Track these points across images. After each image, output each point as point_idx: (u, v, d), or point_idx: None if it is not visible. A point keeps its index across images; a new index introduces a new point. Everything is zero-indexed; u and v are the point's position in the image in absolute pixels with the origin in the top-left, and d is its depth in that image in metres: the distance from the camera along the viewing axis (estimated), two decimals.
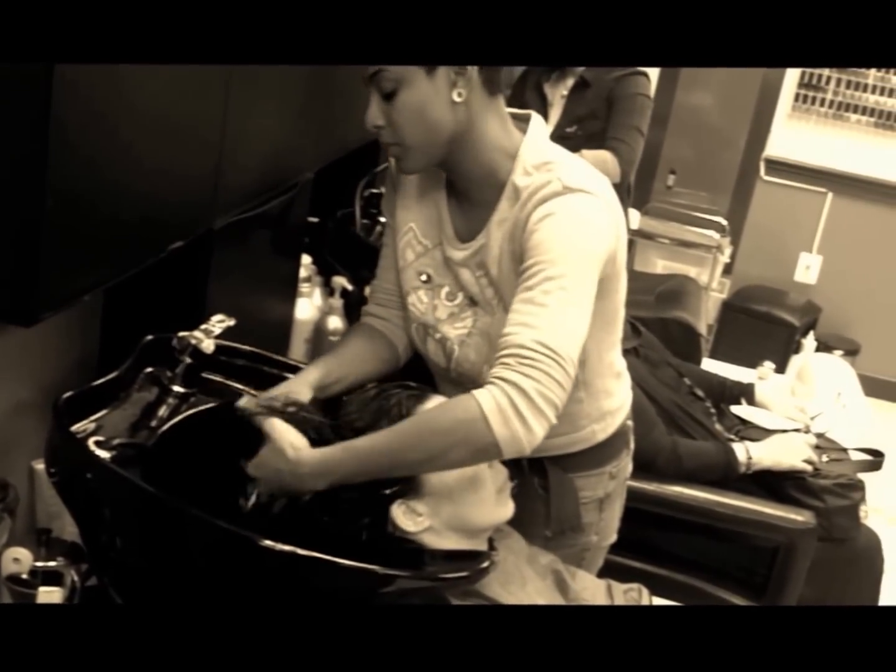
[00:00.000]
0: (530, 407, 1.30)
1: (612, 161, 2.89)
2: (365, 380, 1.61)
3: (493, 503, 1.42)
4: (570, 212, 1.43)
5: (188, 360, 1.52)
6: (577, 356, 1.37)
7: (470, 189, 1.55)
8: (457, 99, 1.44)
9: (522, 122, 1.55)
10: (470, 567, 1.36)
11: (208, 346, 1.51)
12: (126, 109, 1.27)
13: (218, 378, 1.59)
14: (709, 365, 3.43)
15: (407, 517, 1.37)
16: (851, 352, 4.72)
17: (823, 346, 4.55)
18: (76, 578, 1.35)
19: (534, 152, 1.50)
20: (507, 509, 1.44)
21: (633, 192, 3.22)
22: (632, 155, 2.94)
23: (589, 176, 1.49)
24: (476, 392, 1.32)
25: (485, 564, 1.37)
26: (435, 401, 1.43)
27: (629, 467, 1.81)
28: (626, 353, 1.76)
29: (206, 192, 1.59)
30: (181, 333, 1.51)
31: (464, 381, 1.57)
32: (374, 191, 2.51)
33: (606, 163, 2.86)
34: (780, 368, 3.93)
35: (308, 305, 2.25)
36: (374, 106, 1.47)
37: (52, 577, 1.33)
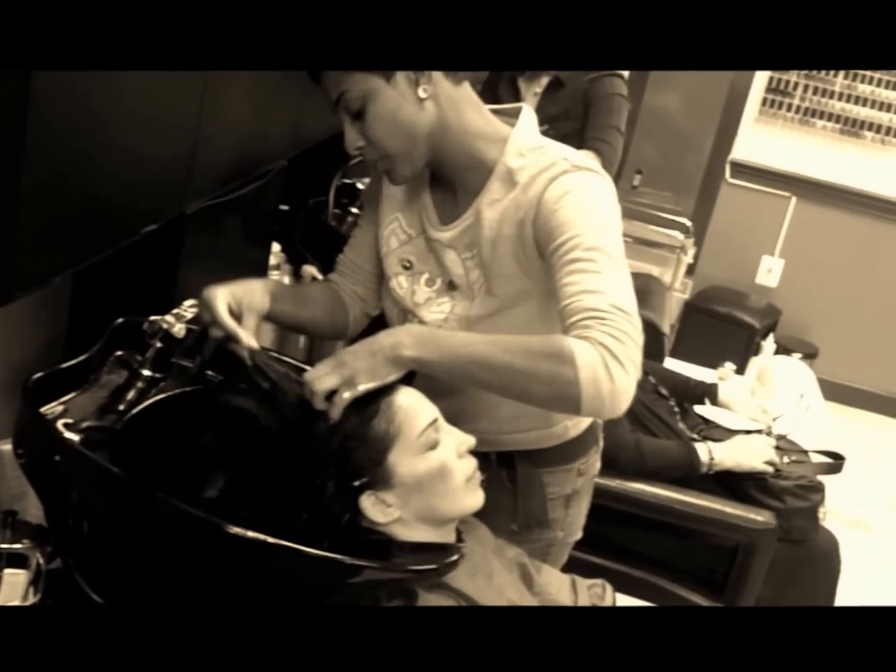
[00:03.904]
0: (621, 371, 1.29)
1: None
2: (313, 324, 1.67)
3: (463, 492, 1.42)
4: (585, 187, 1.45)
5: (158, 345, 1.50)
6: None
7: (455, 177, 1.55)
8: (423, 95, 1.45)
9: (512, 116, 1.55)
10: (438, 560, 1.36)
11: (179, 330, 1.50)
12: (103, 92, 1.26)
13: (188, 363, 1.58)
14: (670, 364, 3.45)
15: (376, 508, 1.37)
16: (810, 355, 4.77)
17: (783, 349, 4.60)
18: (41, 561, 1.33)
19: (526, 137, 1.52)
20: (477, 499, 1.44)
21: None
22: (614, 155, 2.94)
23: (588, 158, 1.51)
24: (571, 339, 1.31)
25: (454, 557, 1.36)
26: (403, 392, 1.43)
27: (597, 464, 1.82)
28: None
29: (181, 177, 1.58)
30: (152, 318, 1.50)
31: None
32: (346, 181, 2.50)
33: None
34: (740, 370, 3.96)
35: None
36: (349, 129, 1.48)
37: (17, 560, 1.31)
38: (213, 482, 1.46)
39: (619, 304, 1.33)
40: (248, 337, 1.44)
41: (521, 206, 1.46)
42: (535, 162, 1.47)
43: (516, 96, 3.03)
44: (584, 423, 1.72)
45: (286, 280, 2.33)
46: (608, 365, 1.28)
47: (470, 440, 1.44)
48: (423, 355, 1.35)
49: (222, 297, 1.45)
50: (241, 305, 1.47)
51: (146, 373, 1.51)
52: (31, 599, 1.36)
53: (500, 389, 1.39)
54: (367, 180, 2.44)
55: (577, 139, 2.93)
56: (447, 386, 1.55)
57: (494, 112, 1.57)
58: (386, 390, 1.42)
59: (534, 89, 3.07)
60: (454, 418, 1.43)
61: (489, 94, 2.97)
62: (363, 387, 1.35)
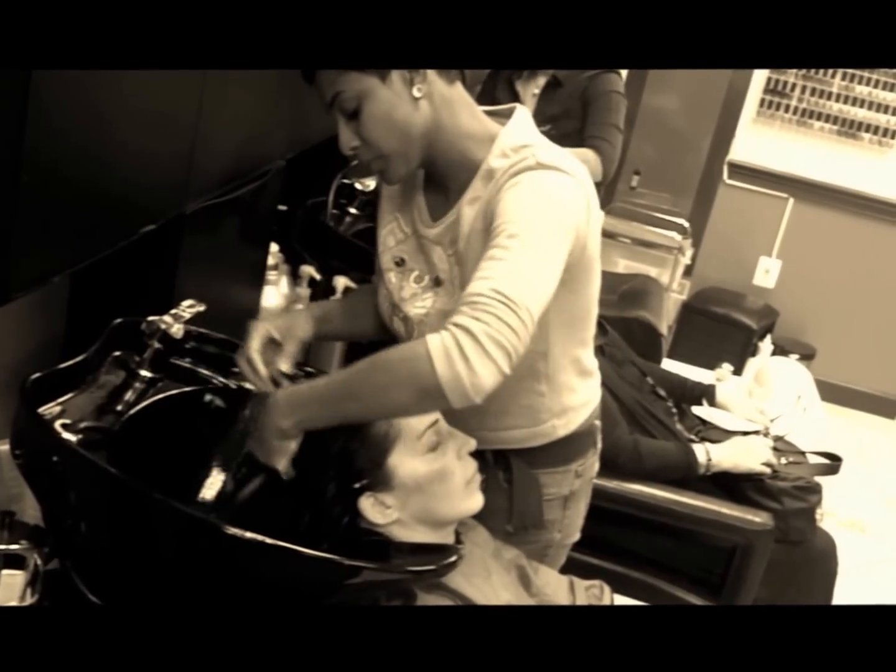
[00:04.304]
0: (476, 348, 1.25)
1: (595, 160, 2.88)
2: (368, 332, 1.73)
3: (462, 495, 1.42)
4: (538, 182, 1.43)
5: (157, 345, 1.50)
6: (536, 308, 1.33)
7: (447, 177, 1.56)
8: (417, 95, 1.46)
9: (506, 117, 1.55)
10: (437, 560, 1.36)
11: (177, 331, 1.49)
12: (103, 93, 1.26)
13: (186, 364, 1.58)
14: (667, 365, 3.45)
15: (375, 509, 1.37)
16: (807, 356, 4.77)
17: (780, 350, 4.60)
18: (39, 562, 1.33)
19: (513, 137, 1.51)
20: (476, 501, 1.44)
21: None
22: (613, 153, 2.94)
23: (568, 159, 1.49)
24: (428, 335, 1.29)
25: (452, 558, 1.36)
26: None
27: (595, 466, 1.82)
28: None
29: (180, 177, 1.58)
30: (150, 318, 1.49)
31: None
32: (345, 181, 2.50)
33: (589, 162, 2.85)
34: (738, 371, 3.96)
35: (275, 293, 2.24)
36: (344, 129, 1.49)
37: (15, 561, 1.31)
38: (212, 483, 1.46)
39: (501, 290, 1.29)
40: (266, 380, 1.49)
41: (490, 201, 1.47)
42: (512, 160, 1.47)
43: (514, 98, 3.03)
44: (574, 422, 1.70)
45: (285, 284, 2.32)
46: (462, 345, 1.25)
47: (470, 442, 1.44)
48: (298, 417, 1.35)
49: (261, 329, 1.54)
50: (283, 335, 1.56)
51: (144, 373, 1.50)
52: (29, 600, 1.35)
53: (377, 411, 1.36)
54: (365, 181, 2.45)
55: (577, 138, 2.93)
56: None
57: (491, 113, 1.57)
58: None
59: (532, 90, 3.06)
60: (445, 415, 1.43)
61: (487, 98, 2.97)
62: (282, 467, 1.39)
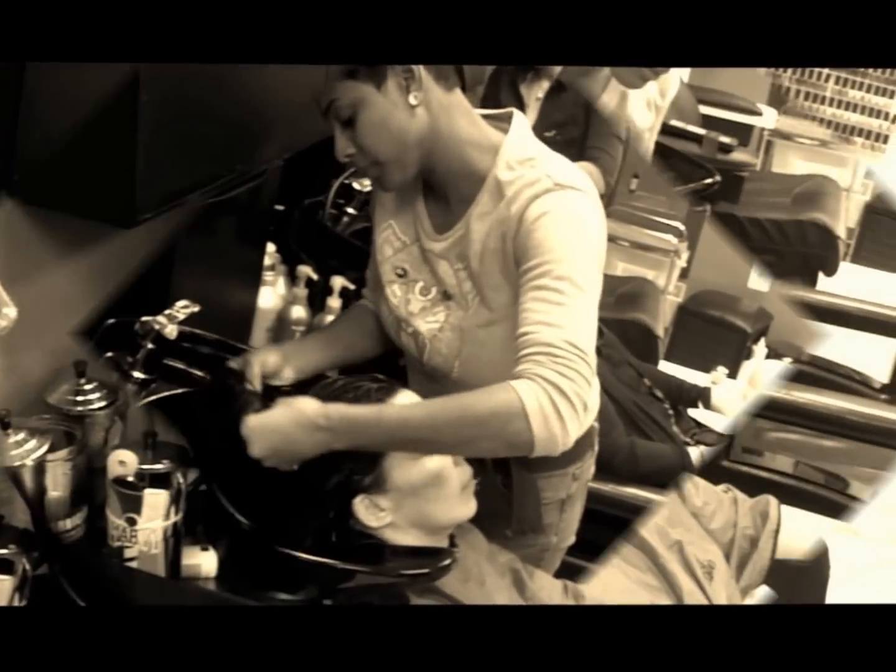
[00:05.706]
0: (569, 409, 1.30)
1: (596, 174, 2.86)
2: (362, 353, 1.71)
3: (457, 500, 1.41)
4: (566, 209, 1.43)
5: (150, 346, 1.49)
6: (594, 352, 1.38)
7: (447, 186, 1.53)
8: (413, 102, 1.44)
9: (504, 122, 1.53)
10: (431, 564, 1.36)
11: (171, 331, 1.48)
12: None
13: (179, 365, 1.57)
14: (664, 367, 3.44)
15: (369, 512, 1.36)
16: (800, 360, 4.76)
17: (773, 354, 4.59)
18: (27, 567, 1.31)
19: (517, 147, 1.49)
20: (470, 507, 1.43)
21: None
22: (613, 165, 2.92)
23: (576, 173, 1.49)
24: (515, 384, 1.31)
25: (446, 562, 1.36)
26: (403, 395, 1.42)
27: (592, 469, 1.81)
28: None
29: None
30: (144, 318, 1.48)
31: (436, 375, 1.56)
32: (345, 181, 2.48)
33: (591, 175, 2.83)
34: (733, 374, 3.95)
35: (271, 294, 2.22)
36: (339, 137, 1.48)
37: (3, 566, 1.29)
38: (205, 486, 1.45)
39: (574, 342, 1.33)
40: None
41: (504, 221, 1.45)
42: (522, 176, 1.46)
43: (518, 102, 3.01)
44: (582, 427, 1.70)
45: (282, 284, 2.30)
46: (556, 404, 1.30)
47: None
48: (356, 442, 1.35)
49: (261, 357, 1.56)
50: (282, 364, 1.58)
51: (137, 374, 1.49)
52: (17, 605, 1.34)
53: (456, 452, 1.42)
54: (364, 181, 2.43)
55: (581, 145, 2.90)
56: (443, 387, 1.54)
57: (486, 117, 1.55)
58: (385, 391, 1.41)
59: (536, 94, 3.04)
60: None
61: (491, 101, 2.94)
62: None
